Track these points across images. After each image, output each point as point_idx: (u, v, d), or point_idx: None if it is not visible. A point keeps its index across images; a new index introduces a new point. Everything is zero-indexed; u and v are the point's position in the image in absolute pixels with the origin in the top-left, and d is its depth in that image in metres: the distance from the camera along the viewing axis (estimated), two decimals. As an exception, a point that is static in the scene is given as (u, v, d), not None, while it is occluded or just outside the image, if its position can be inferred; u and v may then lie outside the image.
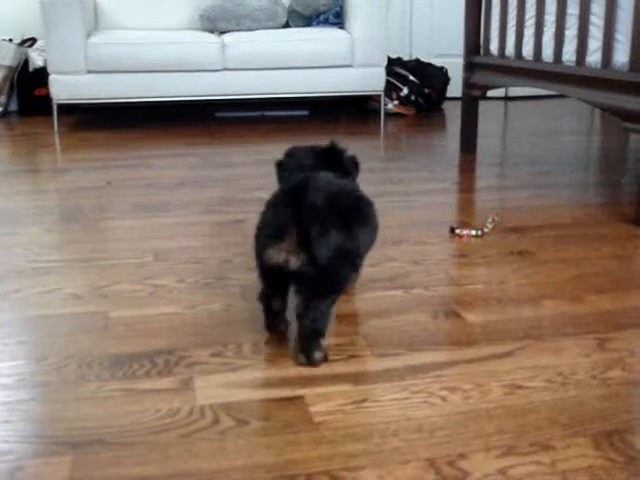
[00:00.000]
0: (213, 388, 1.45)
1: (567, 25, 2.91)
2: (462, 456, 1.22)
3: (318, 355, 1.52)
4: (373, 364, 1.54)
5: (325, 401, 1.39)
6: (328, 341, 1.62)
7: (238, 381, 1.47)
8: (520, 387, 1.44)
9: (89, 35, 4.49)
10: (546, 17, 3.04)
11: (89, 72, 4.43)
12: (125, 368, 1.53)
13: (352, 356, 1.57)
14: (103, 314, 1.80)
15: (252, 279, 2.02)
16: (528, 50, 3.18)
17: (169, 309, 1.83)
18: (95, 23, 4.89)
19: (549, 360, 1.55)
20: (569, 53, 2.89)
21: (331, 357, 1.56)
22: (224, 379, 1.48)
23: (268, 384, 1.46)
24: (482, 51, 3.57)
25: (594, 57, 2.74)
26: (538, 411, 1.36)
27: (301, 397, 1.41)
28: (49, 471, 1.20)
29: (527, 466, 1.20)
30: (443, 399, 1.40)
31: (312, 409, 1.37)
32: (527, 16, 3.18)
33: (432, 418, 1.34)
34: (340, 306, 1.82)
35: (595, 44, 2.74)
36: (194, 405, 1.39)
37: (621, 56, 2.60)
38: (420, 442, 1.26)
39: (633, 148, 3.92)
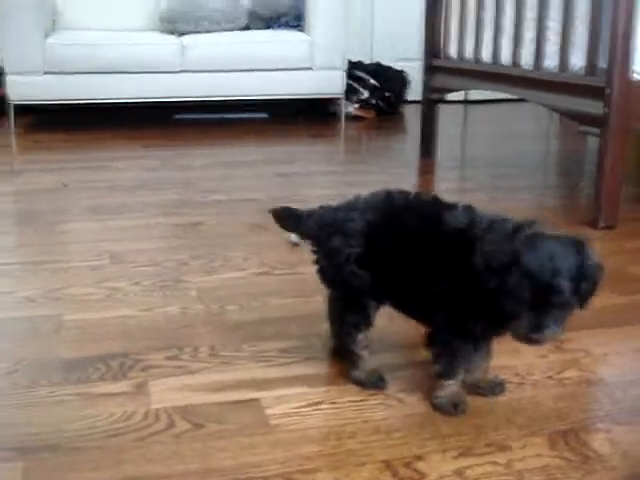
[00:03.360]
0: (168, 391, 1.43)
1: (525, 29, 2.93)
2: (418, 457, 1.22)
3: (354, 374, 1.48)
4: (330, 366, 1.53)
5: (281, 404, 1.38)
6: (285, 344, 1.62)
7: (194, 384, 1.46)
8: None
9: (47, 35, 4.42)
10: (504, 21, 3.06)
11: (46, 73, 4.36)
12: (79, 372, 1.50)
13: (308, 358, 1.56)
14: (56, 317, 1.76)
15: (209, 281, 2.01)
16: (486, 53, 3.19)
17: (124, 312, 1.80)
18: (53, 23, 4.82)
19: (506, 361, 1.55)
20: (527, 56, 2.91)
21: (287, 359, 1.55)
22: (179, 382, 1.46)
23: (224, 387, 1.45)
24: (441, 54, 3.58)
25: (551, 61, 2.76)
26: (494, 412, 1.36)
27: (257, 400, 1.40)
28: (0, 478, 1.17)
29: (483, 466, 1.20)
30: (400, 401, 1.40)
31: (268, 412, 1.35)
32: (486, 19, 3.20)
33: (389, 420, 1.33)
34: (296, 308, 1.82)
35: (552, 48, 2.76)
36: (149, 409, 1.37)
37: (577, 60, 2.62)
38: (377, 444, 1.26)
39: (590, 151, 3.96)
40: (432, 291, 1.34)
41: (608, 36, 2.41)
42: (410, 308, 1.46)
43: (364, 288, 1.41)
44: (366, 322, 1.45)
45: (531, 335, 1.23)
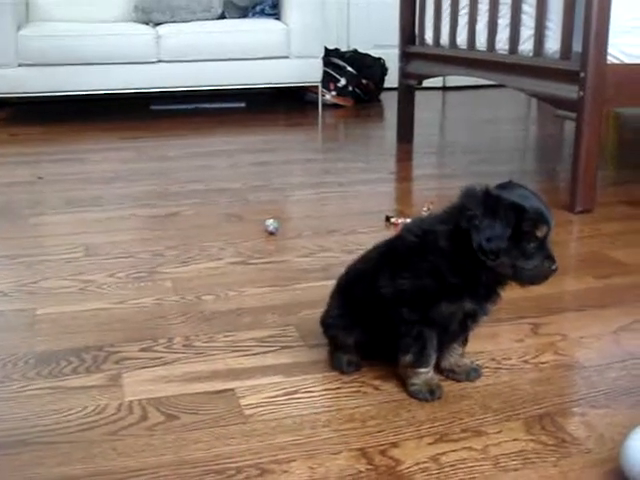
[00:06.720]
0: (142, 383, 1.42)
1: (500, 14, 2.91)
2: (394, 445, 1.21)
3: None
4: (305, 355, 1.52)
5: (256, 393, 1.37)
6: (261, 333, 1.61)
7: (168, 376, 1.44)
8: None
9: (20, 27, 4.37)
10: (480, 6, 3.05)
11: (20, 65, 4.30)
12: (51, 366, 1.49)
13: (284, 347, 1.55)
14: (30, 311, 1.74)
15: (184, 272, 1.99)
16: (462, 39, 3.18)
17: (98, 305, 1.78)
18: (26, 15, 4.77)
19: (482, 346, 1.55)
20: (502, 41, 2.90)
21: (262, 349, 1.53)
22: (154, 374, 1.45)
23: (198, 378, 1.43)
24: (417, 40, 3.57)
25: (526, 45, 2.75)
26: (470, 397, 1.36)
27: (232, 390, 1.38)
28: (-32, 474, 1.15)
29: (459, 452, 1.19)
30: (376, 388, 1.39)
31: (243, 402, 1.34)
32: (461, 5, 3.18)
33: (364, 407, 1.32)
34: (272, 297, 1.80)
35: (527, 32, 2.75)
36: (122, 401, 1.35)
37: (552, 44, 2.61)
38: (352, 432, 1.25)
39: (567, 136, 3.97)
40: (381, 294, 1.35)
41: (582, 20, 2.41)
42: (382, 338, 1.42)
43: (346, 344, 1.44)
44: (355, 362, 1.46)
45: (552, 266, 1.30)
